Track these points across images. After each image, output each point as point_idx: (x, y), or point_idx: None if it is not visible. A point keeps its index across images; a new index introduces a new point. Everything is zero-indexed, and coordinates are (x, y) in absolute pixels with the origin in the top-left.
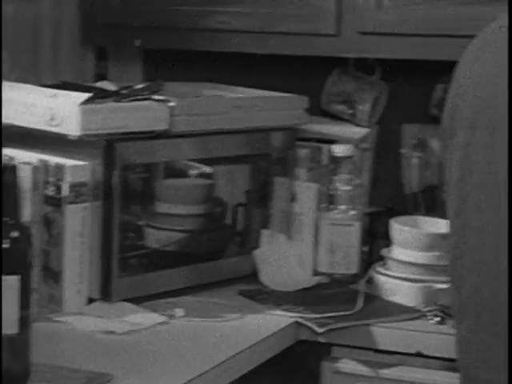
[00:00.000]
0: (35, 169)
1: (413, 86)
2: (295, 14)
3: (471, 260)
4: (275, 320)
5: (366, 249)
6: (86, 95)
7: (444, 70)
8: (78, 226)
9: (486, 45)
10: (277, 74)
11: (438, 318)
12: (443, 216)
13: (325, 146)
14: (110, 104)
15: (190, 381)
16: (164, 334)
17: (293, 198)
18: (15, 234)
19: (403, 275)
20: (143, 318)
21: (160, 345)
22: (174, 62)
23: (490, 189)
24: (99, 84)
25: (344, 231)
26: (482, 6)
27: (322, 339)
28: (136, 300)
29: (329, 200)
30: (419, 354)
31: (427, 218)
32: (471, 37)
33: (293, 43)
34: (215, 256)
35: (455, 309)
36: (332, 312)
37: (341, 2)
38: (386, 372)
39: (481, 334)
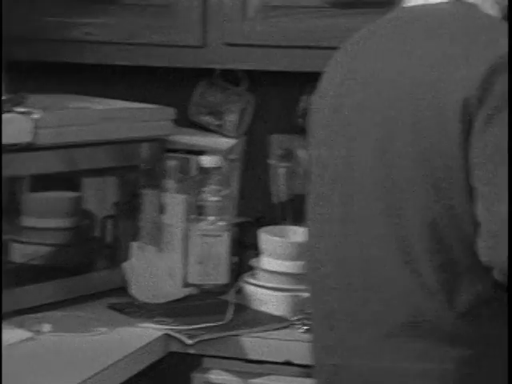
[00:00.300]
0: None
1: (279, 96)
2: (161, 26)
3: (322, 250)
4: (145, 333)
5: (235, 259)
6: None
7: (309, 81)
8: None
9: (344, 54)
10: (144, 85)
11: (306, 327)
12: None
13: (193, 157)
14: None
15: None
16: (30, 350)
17: (162, 210)
18: None
19: (272, 285)
20: (8, 334)
21: (26, 361)
22: (40, 73)
23: (332, 184)
24: None
25: (213, 242)
26: (345, 18)
27: (192, 351)
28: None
29: (198, 211)
30: (288, 363)
31: (295, 228)
32: (335, 48)
33: (159, 54)
34: (84, 269)
35: (310, 300)
36: (202, 323)
37: (206, 13)
38: (256, 381)
39: (326, 322)
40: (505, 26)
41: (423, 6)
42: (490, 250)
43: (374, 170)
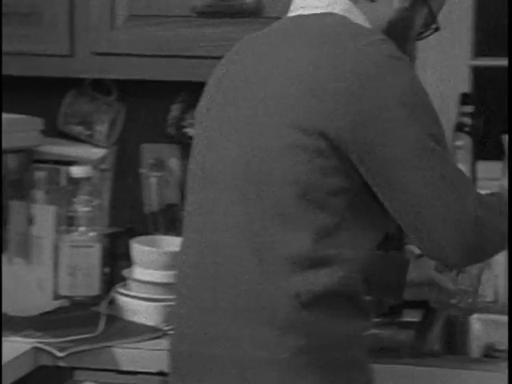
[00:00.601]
0: None
1: (150, 106)
2: (27, 34)
3: (186, 240)
4: (13, 347)
5: (107, 270)
6: None
7: (180, 90)
8: None
9: (225, 58)
10: (11, 95)
11: None
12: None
13: (63, 168)
14: None
15: None
16: None
17: (30, 221)
18: None
19: (144, 295)
20: None
21: None
22: None
23: (199, 176)
24: None
25: (84, 253)
26: (213, 27)
27: (63, 363)
28: None
29: (68, 222)
30: (161, 373)
31: (167, 237)
32: (203, 57)
33: (26, 64)
34: None
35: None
36: (73, 335)
37: (73, 22)
38: None
39: (181, 310)
40: (373, 33)
41: (300, 16)
42: (426, 249)
43: (235, 160)
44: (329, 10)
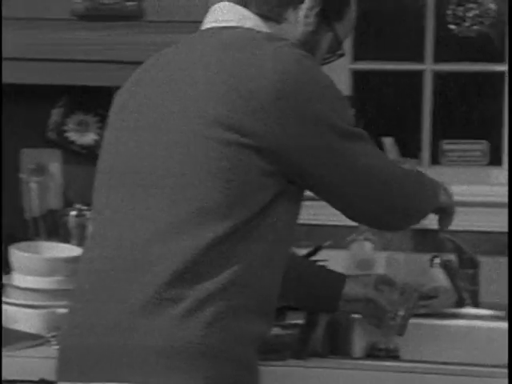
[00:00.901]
0: None
1: (29, 110)
2: None
3: (93, 234)
4: None
5: None
6: None
7: (60, 94)
8: None
9: (136, 71)
10: None
11: None
12: (65, 240)
13: None
14: None
15: None
16: None
17: None
18: None
19: (24, 302)
20: None
21: None
22: None
23: (118, 173)
24: None
25: None
26: (94, 31)
27: None
28: None
29: None
30: (43, 381)
31: (48, 243)
32: (85, 61)
33: None
34: None
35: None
36: None
37: None
38: None
39: (78, 304)
40: (283, 38)
41: (214, 27)
42: (362, 219)
43: (151, 156)
44: (240, 24)
